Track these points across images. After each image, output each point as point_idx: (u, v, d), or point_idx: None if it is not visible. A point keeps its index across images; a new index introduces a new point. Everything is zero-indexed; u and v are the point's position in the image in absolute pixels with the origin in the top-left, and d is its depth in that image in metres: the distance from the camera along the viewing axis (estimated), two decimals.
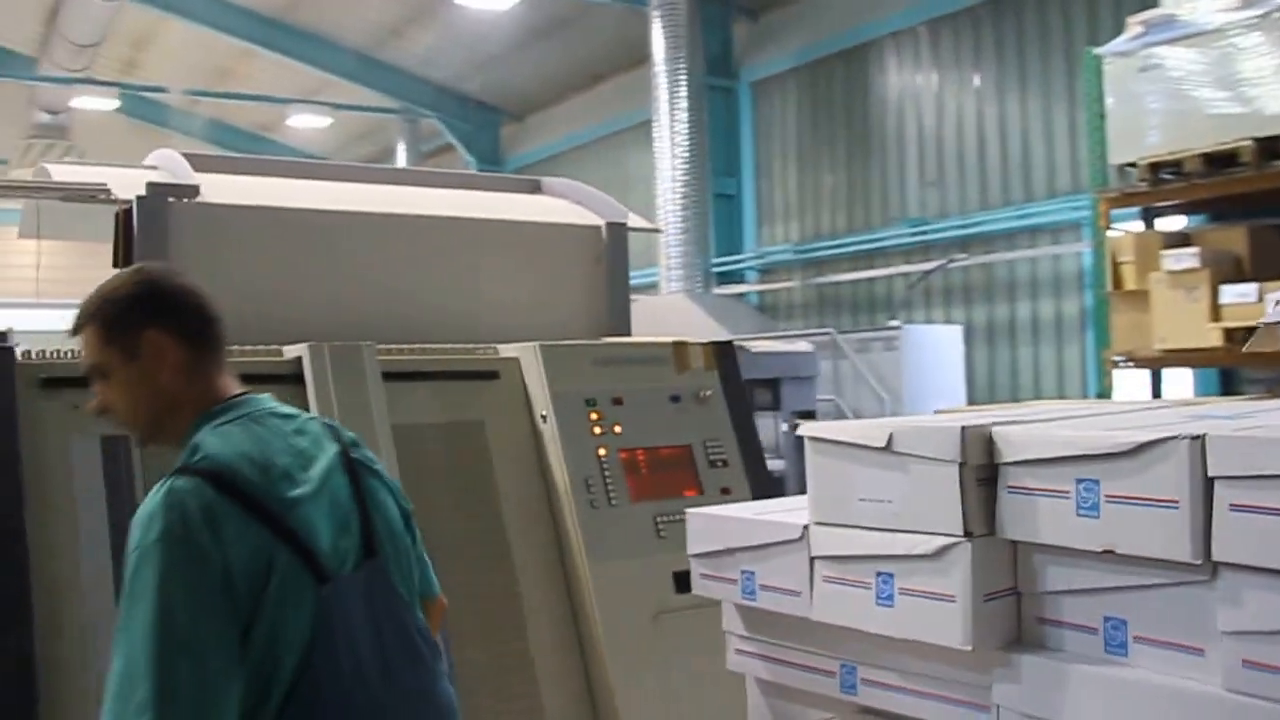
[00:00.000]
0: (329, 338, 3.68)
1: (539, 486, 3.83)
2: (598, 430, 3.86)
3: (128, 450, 3.19)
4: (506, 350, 3.99)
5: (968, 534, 1.89)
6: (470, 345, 4.00)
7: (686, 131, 13.37)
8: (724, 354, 4.19)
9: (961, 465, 1.89)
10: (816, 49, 13.63)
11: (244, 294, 3.84)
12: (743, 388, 4.19)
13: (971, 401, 10.62)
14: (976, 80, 11.80)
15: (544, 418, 3.85)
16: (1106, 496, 1.75)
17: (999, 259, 11.37)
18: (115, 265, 3.85)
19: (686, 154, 13.36)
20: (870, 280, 13.04)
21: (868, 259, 13.04)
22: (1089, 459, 1.78)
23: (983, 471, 1.90)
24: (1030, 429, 1.89)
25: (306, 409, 3.34)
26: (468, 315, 4.31)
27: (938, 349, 10.66)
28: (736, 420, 4.12)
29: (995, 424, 1.93)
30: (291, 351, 3.61)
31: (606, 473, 3.80)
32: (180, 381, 2.20)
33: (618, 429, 3.88)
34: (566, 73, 17.53)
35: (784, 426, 8.53)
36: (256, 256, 4.07)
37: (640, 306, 13.55)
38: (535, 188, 5.20)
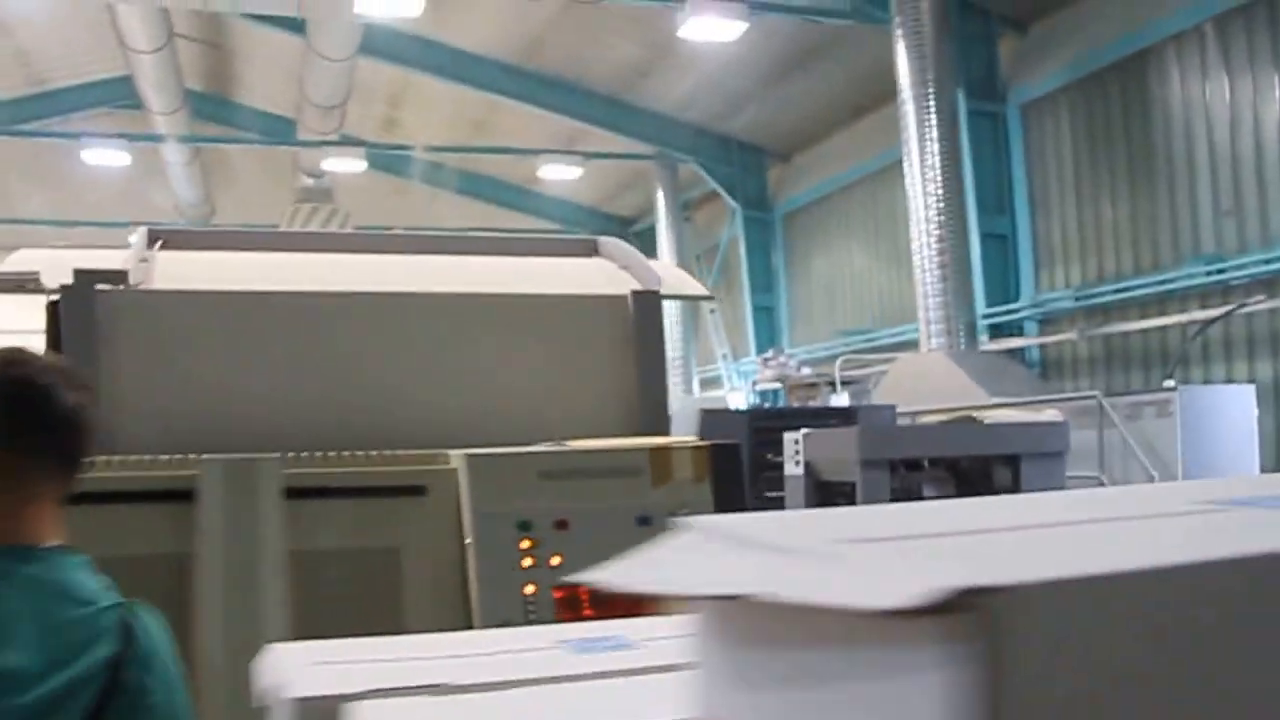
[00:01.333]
0: (276, 442, 3.24)
1: (462, 629, 3.13)
2: (528, 562, 3.11)
3: None
4: (456, 458, 3.31)
5: None
6: (401, 453, 3.36)
7: (939, 164, 12.28)
8: (723, 460, 3.34)
9: None
10: (1090, 61, 12.24)
11: (180, 394, 3.51)
12: (743, 502, 3.34)
13: (1265, 471, 9.03)
14: (1279, 84, 10.19)
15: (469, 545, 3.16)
16: None
17: None
18: None
19: (941, 189, 12.27)
20: (1163, 329, 11.53)
21: (1158, 304, 11.53)
22: None
23: None
24: None
25: (194, 531, 2.96)
26: (445, 413, 3.70)
27: (1223, 413, 9.15)
28: None
29: None
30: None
31: (532, 615, 3.05)
32: None
33: (555, 560, 3.12)
34: (827, 106, 16.70)
35: None
36: (197, 349, 3.65)
37: (896, 370, 12.52)
38: (591, 249, 4.55)
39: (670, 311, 18.73)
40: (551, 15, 15.83)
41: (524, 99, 17.99)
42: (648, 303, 4.01)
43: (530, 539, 3.12)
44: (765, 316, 18.43)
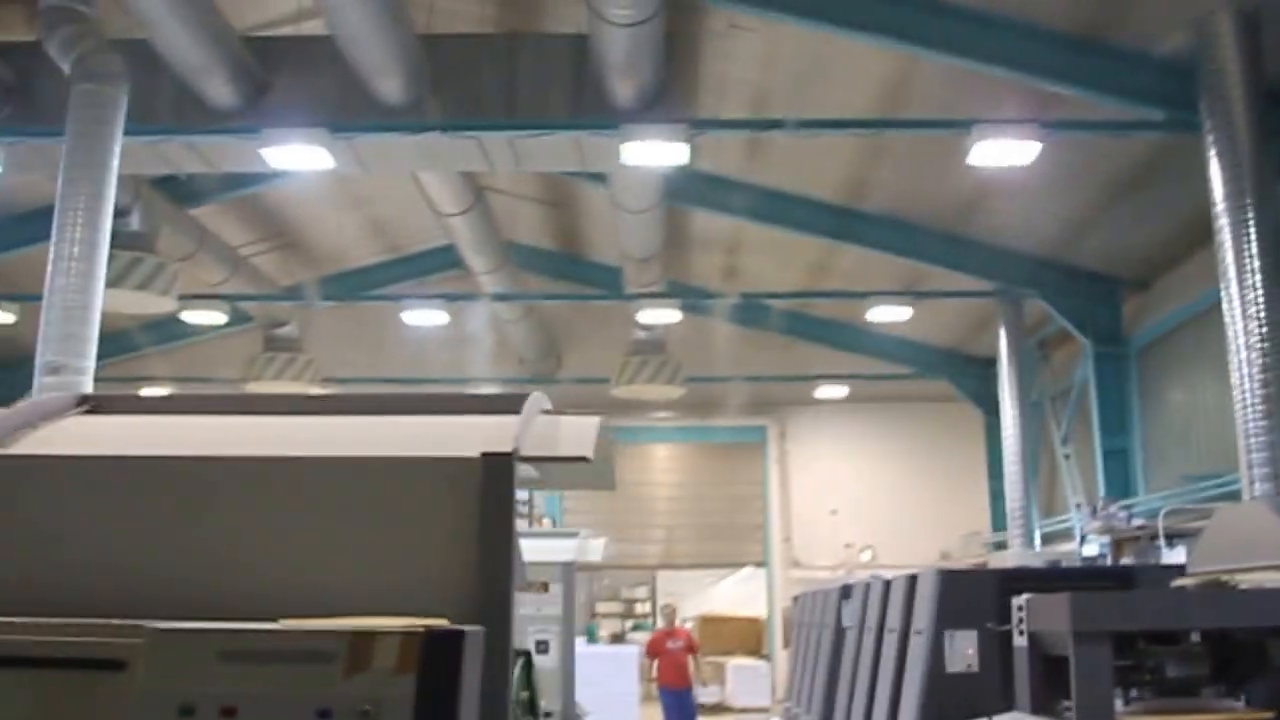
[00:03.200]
0: (95, 609, 3.17)
1: None
2: None
3: None
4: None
5: None
6: (100, 622, 3.15)
7: (1262, 285, 10.88)
8: (438, 650, 2.89)
9: None
10: None
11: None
12: (454, 701, 2.86)
13: None
14: None
15: None
16: None
17: None
18: None
19: (1265, 312, 10.85)
20: None
21: None
22: None
23: None
24: None
25: None
26: (238, 581, 3.48)
27: None
28: None
29: None
30: None
31: None
32: None
33: None
34: (1178, 225, 15.28)
35: None
36: (35, 515, 3.65)
37: (1215, 522, 10.99)
38: (514, 405, 4.22)
39: (1011, 457, 17.55)
40: (862, 153, 15.55)
41: (853, 239, 17.70)
42: (499, 467, 3.63)
43: None
44: (1118, 461, 16.87)
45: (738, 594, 26.20)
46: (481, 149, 13.14)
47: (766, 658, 22.99)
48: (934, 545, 22.61)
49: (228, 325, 21.61)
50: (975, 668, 7.46)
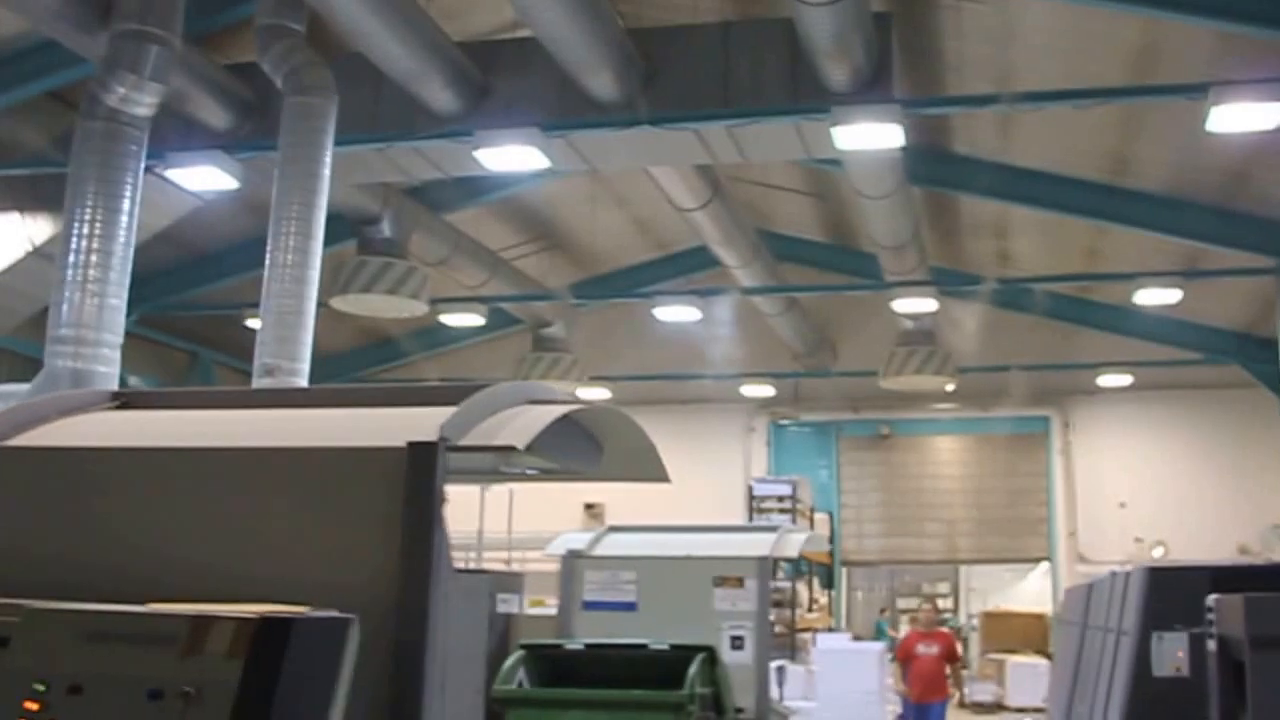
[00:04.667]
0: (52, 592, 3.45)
1: None
2: None
3: None
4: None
5: None
6: None
7: None
8: (268, 637, 2.97)
9: None
10: None
11: None
12: (275, 686, 2.92)
13: None
14: None
15: None
16: None
17: None
18: None
19: None
20: None
21: None
22: None
23: None
24: None
25: None
26: (175, 566, 3.70)
27: None
28: None
29: None
30: None
31: None
32: None
33: None
34: None
35: None
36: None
37: None
38: (457, 397, 4.26)
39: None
40: (1119, 127, 14.74)
41: (1118, 219, 16.82)
42: (424, 456, 3.70)
43: (39, 701, 3.04)
44: None
45: (1031, 590, 25.35)
46: (701, 141, 13.19)
47: (1051, 656, 22.03)
48: (1231, 539, 21.26)
49: (499, 328, 22.56)
50: (1185, 672, 6.83)
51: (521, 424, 4.26)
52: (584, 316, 22.17)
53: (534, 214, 20.08)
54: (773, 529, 10.97)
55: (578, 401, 4.89)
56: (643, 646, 8.74)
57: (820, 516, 23.34)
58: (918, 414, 24.01)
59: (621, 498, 23.75)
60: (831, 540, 24.19)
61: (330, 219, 17.37)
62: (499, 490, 17.48)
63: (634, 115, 12.82)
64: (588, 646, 9.13)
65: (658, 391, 23.48)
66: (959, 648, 14.23)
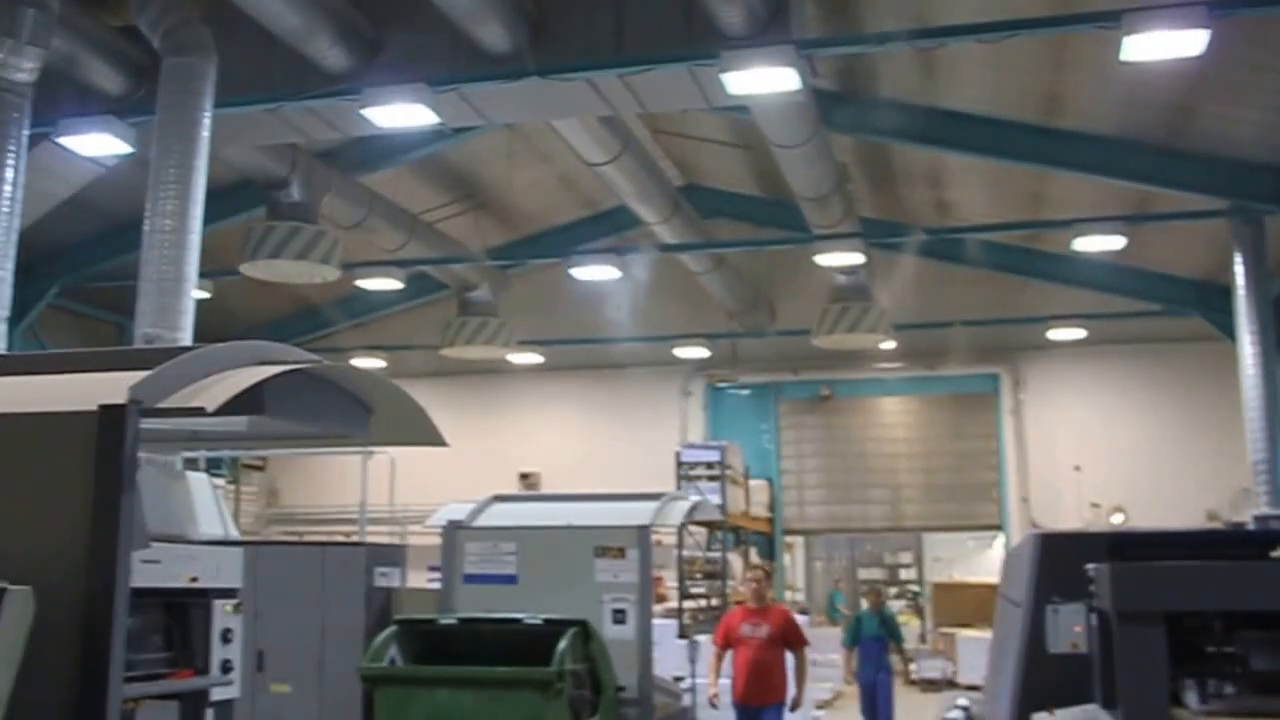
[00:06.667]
0: None
1: None
2: None
3: None
4: None
5: None
6: None
7: None
8: None
9: None
10: None
11: None
12: None
13: None
14: None
15: None
16: None
17: None
18: None
19: None
20: None
21: None
22: None
23: None
24: None
25: None
26: None
27: None
28: None
29: None
30: None
31: None
32: None
33: None
34: None
35: None
36: None
37: None
38: (156, 359, 4.20)
39: (1252, 399, 16.21)
40: (1046, 65, 14.61)
41: (1054, 162, 16.68)
42: (116, 419, 3.67)
43: None
44: None
45: (995, 560, 25.26)
46: (595, 90, 13.07)
47: None
48: (1199, 504, 21.09)
49: (426, 294, 22.48)
50: (1083, 648, 6.24)
51: (226, 386, 4.20)
52: (513, 280, 22.10)
53: (457, 173, 19.99)
54: (654, 497, 10.90)
55: (312, 360, 4.81)
56: (517, 621, 8.73)
57: (760, 483, 23.32)
58: (860, 374, 23.92)
59: (556, 466, 23.82)
60: (772, 508, 24.20)
61: (239, 185, 17.57)
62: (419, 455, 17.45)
63: (523, 66, 12.71)
64: (462, 621, 9.13)
65: (591, 356, 23.47)
66: (802, 630, 11.19)
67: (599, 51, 12.69)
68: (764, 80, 12.20)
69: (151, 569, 4.40)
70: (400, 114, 13.06)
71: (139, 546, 3.83)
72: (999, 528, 24.25)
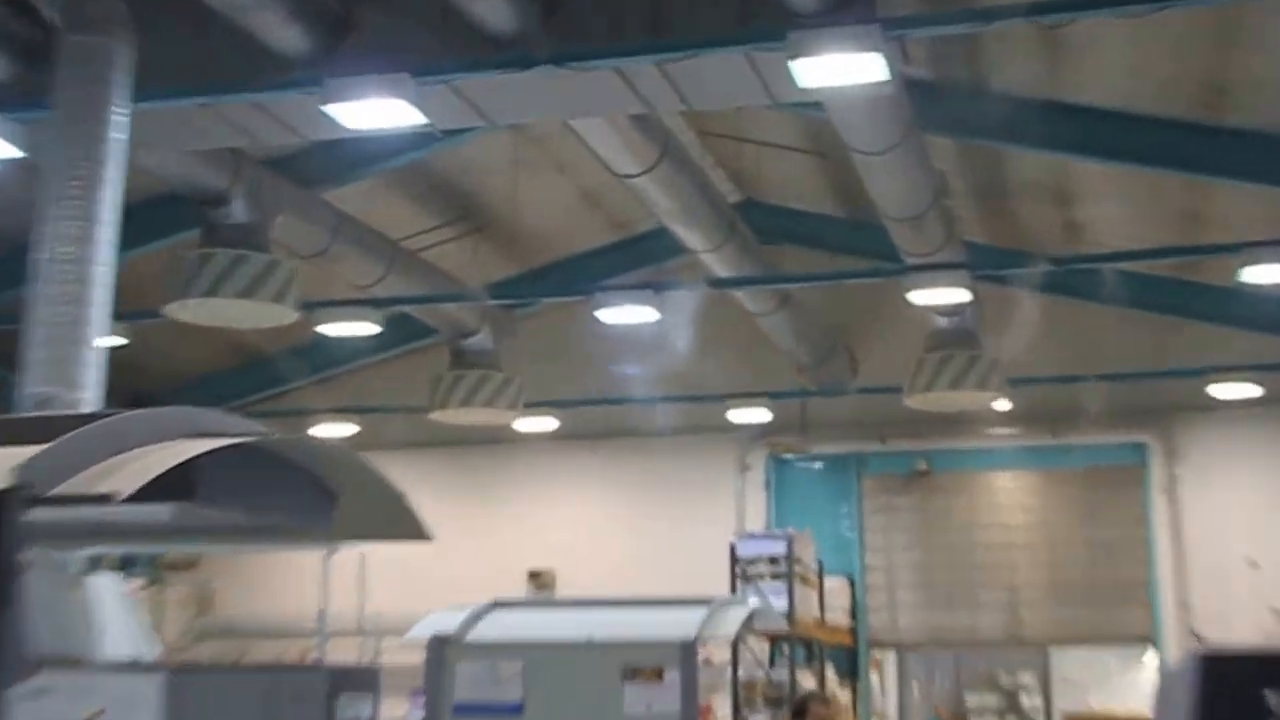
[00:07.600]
0: None
1: None
2: None
3: None
4: None
5: None
6: None
7: None
8: None
9: None
10: None
11: None
12: None
13: None
14: None
15: None
16: None
17: None
18: None
19: None
20: None
21: None
22: None
23: None
24: None
25: None
26: None
27: None
28: None
29: None
30: None
31: None
32: None
33: None
34: None
35: None
36: None
37: None
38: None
39: None
40: (1211, 37, 14.61)
41: (1215, 171, 16.65)
42: None
43: None
44: None
45: (1145, 682, 25.07)
46: (626, 82, 13.09)
47: None
48: None
49: (411, 340, 22.52)
50: None
51: (144, 465, 4.18)
52: (521, 324, 22.12)
53: (449, 188, 20.07)
54: (704, 602, 10.84)
55: (258, 432, 4.77)
56: None
57: (838, 582, 23.11)
58: (966, 443, 23.87)
59: (574, 563, 23.75)
60: (854, 614, 24.01)
61: (165, 200, 17.58)
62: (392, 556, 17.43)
63: (532, 52, 12.73)
64: None
65: (621, 420, 23.45)
66: None
67: (630, 33, 12.74)
68: (842, 69, 12.17)
69: (40, 707, 4.33)
70: (375, 111, 13.03)
71: (19, 678, 3.79)
72: (1150, 641, 24.02)
